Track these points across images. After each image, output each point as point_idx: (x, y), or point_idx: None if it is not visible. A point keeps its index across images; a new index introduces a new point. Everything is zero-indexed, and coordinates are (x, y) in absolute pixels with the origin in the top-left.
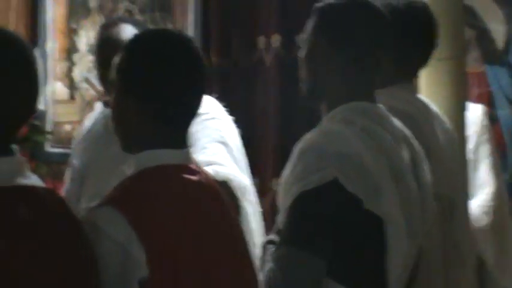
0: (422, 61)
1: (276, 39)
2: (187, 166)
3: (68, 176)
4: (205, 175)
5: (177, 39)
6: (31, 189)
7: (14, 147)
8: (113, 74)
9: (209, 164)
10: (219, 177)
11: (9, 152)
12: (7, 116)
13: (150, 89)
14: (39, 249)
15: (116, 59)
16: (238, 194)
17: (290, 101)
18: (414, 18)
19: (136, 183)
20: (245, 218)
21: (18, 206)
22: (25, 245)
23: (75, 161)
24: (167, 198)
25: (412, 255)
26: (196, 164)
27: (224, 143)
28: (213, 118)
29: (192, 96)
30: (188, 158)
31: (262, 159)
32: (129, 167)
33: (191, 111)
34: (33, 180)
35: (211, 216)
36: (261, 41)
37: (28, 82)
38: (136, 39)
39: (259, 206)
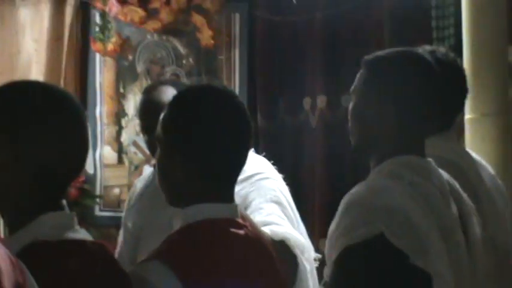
0: (459, 110)
1: (321, 100)
2: (234, 220)
3: (121, 238)
4: (253, 229)
5: (221, 94)
6: (81, 243)
7: (64, 203)
8: (158, 130)
9: (266, 224)
10: (277, 237)
11: (59, 208)
12: (58, 171)
13: (194, 145)
14: None
15: (161, 116)
16: (297, 252)
17: (336, 161)
18: (451, 67)
19: (183, 237)
20: (304, 275)
21: (68, 259)
22: None
23: (128, 223)
24: (214, 251)
25: None
26: (245, 218)
27: (279, 203)
28: (267, 178)
29: (238, 152)
30: (235, 212)
31: (310, 219)
32: (176, 221)
33: (237, 167)
34: (82, 234)
35: (257, 271)
36: (307, 101)
37: (80, 140)
38: (180, 95)
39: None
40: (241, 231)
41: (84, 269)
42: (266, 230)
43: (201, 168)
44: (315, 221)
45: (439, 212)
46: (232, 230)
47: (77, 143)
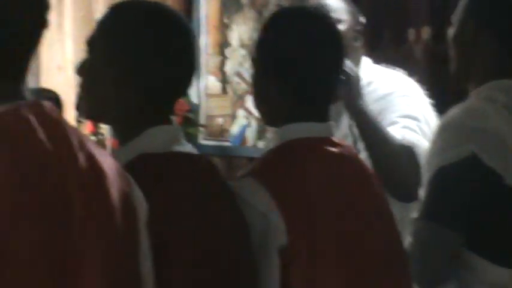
0: None
1: (426, 31)
2: (329, 139)
3: None
4: (348, 148)
5: (315, 16)
6: (187, 156)
7: (172, 118)
8: (253, 52)
9: (399, 134)
10: (407, 142)
11: (167, 122)
12: (168, 86)
13: (290, 67)
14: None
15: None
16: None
17: (440, 94)
18: None
19: (277, 155)
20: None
21: (175, 170)
22: (184, 207)
23: None
24: (308, 169)
25: None
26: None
27: (415, 118)
28: (404, 96)
29: (332, 73)
30: (330, 131)
31: None
32: (272, 140)
33: (331, 87)
34: (188, 148)
35: (352, 188)
36: (411, 33)
37: (190, 58)
38: (275, 17)
39: None
40: (336, 149)
41: (190, 181)
42: (398, 135)
43: (296, 90)
44: None
45: None
46: (327, 148)
47: (187, 61)
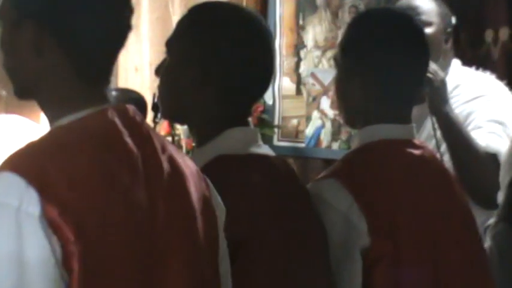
0: None
1: (504, 33)
2: (410, 141)
3: None
4: (429, 151)
5: (401, 17)
6: (265, 158)
7: (249, 120)
8: (337, 51)
9: (483, 141)
10: (491, 149)
11: (245, 124)
12: (248, 87)
13: (374, 68)
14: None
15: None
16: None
17: None
18: None
19: (358, 156)
20: None
21: (252, 172)
22: (262, 208)
23: None
24: (389, 170)
25: None
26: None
27: (501, 123)
28: (492, 100)
29: (415, 74)
30: (412, 133)
31: None
32: (353, 141)
33: (414, 89)
34: (265, 149)
35: (432, 190)
36: (489, 34)
37: (269, 59)
38: (361, 17)
39: None
40: (417, 151)
41: (266, 183)
42: (483, 140)
43: (379, 90)
44: None
45: None
46: (408, 150)
47: (267, 63)
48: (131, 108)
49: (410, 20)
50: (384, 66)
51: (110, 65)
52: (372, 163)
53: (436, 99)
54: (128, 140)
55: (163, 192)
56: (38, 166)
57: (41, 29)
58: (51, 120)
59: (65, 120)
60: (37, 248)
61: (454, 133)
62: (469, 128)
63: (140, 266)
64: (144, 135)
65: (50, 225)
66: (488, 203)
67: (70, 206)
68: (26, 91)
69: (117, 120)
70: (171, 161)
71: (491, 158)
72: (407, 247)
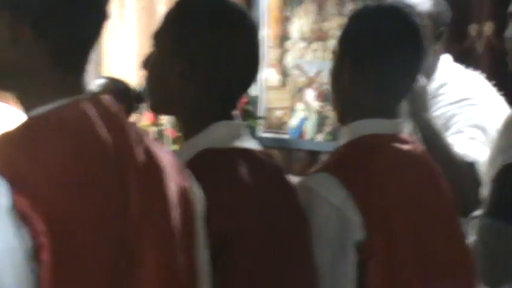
0: None
1: (488, 27)
2: (399, 136)
3: None
4: (418, 146)
5: (401, 14)
6: (249, 152)
7: (235, 113)
8: (335, 44)
9: (463, 146)
10: (468, 158)
11: (230, 118)
12: (235, 80)
13: (367, 59)
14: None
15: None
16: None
17: (502, 89)
18: None
19: (350, 150)
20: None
21: (236, 166)
22: (245, 201)
23: None
24: (380, 164)
25: None
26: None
27: (483, 129)
28: (476, 104)
29: (408, 71)
30: (400, 128)
31: None
32: (343, 136)
33: (406, 85)
34: (251, 143)
35: (420, 185)
36: (473, 28)
37: (255, 52)
38: (360, 11)
39: None
40: (406, 146)
41: (250, 176)
42: (460, 150)
43: (373, 84)
44: None
45: None
46: (395, 144)
47: (251, 57)
48: (107, 98)
49: (407, 15)
50: (379, 60)
51: (86, 54)
52: (363, 157)
53: (417, 106)
54: (102, 130)
55: (137, 182)
56: (10, 157)
57: (17, 19)
58: (26, 109)
59: (39, 110)
60: (5, 239)
61: (433, 142)
62: (451, 131)
63: (112, 257)
64: (119, 126)
65: (21, 216)
66: (463, 212)
67: (41, 198)
68: (2, 81)
69: (91, 111)
70: (147, 152)
71: (469, 167)
72: (400, 241)
